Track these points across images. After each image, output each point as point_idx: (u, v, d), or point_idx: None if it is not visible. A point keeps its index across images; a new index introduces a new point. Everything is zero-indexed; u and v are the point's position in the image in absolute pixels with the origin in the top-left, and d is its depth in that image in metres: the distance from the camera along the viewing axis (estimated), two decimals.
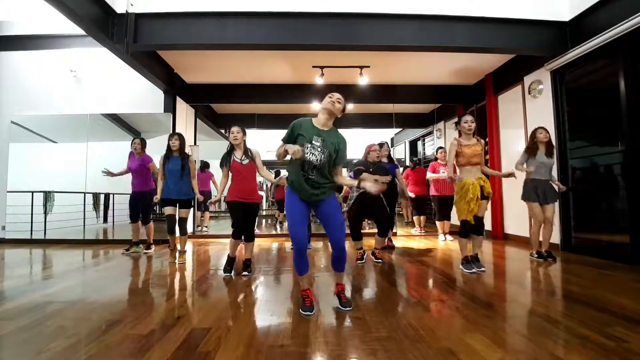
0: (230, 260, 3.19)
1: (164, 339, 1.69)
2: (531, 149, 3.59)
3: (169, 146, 3.66)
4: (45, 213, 5.60)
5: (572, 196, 4.12)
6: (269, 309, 2.20)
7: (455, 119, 3.39)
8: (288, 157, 2.09)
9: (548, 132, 3.59)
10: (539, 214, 3.55)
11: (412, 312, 2.09)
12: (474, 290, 2.57)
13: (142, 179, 4.17)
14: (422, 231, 5.91)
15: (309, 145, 2.07)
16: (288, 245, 4.86)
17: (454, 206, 3.31)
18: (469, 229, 3.11)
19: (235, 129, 3.15)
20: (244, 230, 3.16)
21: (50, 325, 1.89)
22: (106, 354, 1.55)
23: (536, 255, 3.64)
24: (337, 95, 2.18)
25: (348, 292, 2.47)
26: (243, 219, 3.12)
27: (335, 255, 2.19)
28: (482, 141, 3.19)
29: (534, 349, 1.56)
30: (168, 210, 3.69)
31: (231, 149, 3.19)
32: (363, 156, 3.81)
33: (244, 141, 3.23)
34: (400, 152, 9.29)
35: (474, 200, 3.01)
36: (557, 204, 3.52)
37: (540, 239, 3.64)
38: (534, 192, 3.55)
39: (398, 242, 5.04)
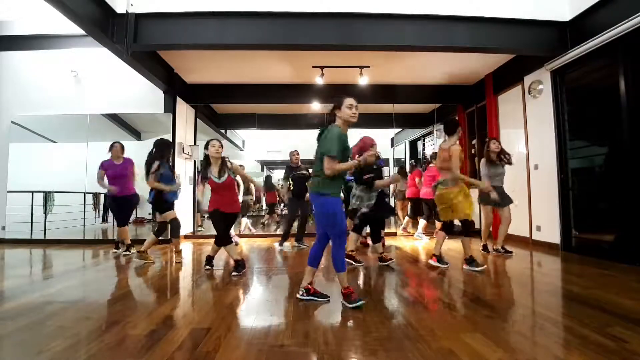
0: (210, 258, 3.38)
1: (164, 339, 1.69)
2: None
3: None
4: (45, 213, 5.60)
5: (572, 196, 4.12)
6: (269, 309, 2.20)
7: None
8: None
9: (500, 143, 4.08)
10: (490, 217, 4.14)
11: (412, 312, 2.08)
12: (474, 290, 2.57)
13: (125, 183, 4.08)
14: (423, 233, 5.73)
15: (349, 156, 2.25)
16: (288, 244, 4.84)
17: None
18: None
19: (216, 142, 3.10)
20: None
21: (50, 325, 1.89)
22: (106, 354, 1.55)
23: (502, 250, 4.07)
24: (354, 102, 2.22)
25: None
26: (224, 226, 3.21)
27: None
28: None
29: (534, 349, 1.56)
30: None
31: (207, 164, 3.12)
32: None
33: (222, 157, 3.16)
34: (400, 152, 9.29)
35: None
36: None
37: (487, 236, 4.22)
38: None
39: (398, 243, 5.04)
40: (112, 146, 4.11)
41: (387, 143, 9.70)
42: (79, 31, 3.70)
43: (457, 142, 3.27)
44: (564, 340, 1.66)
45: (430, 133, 7.86)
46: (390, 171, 9.71)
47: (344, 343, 1.65)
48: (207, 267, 3.31)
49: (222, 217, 3.17)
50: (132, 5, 3.76)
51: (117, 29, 3.75)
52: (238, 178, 3.48)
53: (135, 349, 1.58)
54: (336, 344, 1.63)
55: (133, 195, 4.18)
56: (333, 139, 2.12)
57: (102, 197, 6.18)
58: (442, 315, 2.04)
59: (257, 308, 2.22)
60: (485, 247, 4.16)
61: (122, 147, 4.17)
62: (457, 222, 3.30)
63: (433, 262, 3.35)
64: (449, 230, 3.34)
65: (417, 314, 2.06)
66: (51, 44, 5.51)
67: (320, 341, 1.67)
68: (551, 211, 4.30)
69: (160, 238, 3.88)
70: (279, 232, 6.34)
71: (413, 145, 8.89)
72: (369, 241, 4.80)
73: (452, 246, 4.66)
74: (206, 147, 3.12)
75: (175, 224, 3.88)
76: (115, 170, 4.05)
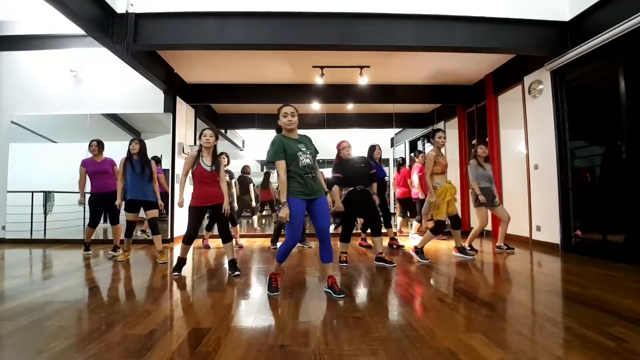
0: (181, 261, 3.18)
1: (164, 339, 1.69)
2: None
3: (129, 150, 3.81)
4: (45, 213, 5.60)
5: (572, 196, 4.12)
6: (269, 309, 2.20)
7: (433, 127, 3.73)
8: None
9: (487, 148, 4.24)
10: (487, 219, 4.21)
11: (412, 312, 2.09)
12: (474, 290, 2.57)
13: (106, 179, 4.23)
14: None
15: (301, 153, 2.36)
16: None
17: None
18: (452, 226, 3.77)
19: (208, 132, 3.18)
20: (220, 232, 3.21)
21: (50, 325, 1.89)
22: (106, 354, 1.55)
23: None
24: (289, 110, 2.44)
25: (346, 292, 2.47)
26: (199, 223, 3.18)
27: (323, 246, 2.43)
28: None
29: (534, 349, 1.56)
30: (130, 216, 3.87)
31: (199, 152, 3.16)
32: (337, 156, 3.61)
33: (215, 147, 3.25)
34: (400, 152, 9.29)
35: (452, 201, 3.62)
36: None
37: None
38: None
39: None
40: (90, 144, 4.27)
41: (387, 143, 9.71)
42: (79, 31, 3.70)
43: (438, 148, 3.73)
44: (564, 340, 1.66)
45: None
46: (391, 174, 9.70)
47: (344, 343, 1.65)
48: (176, 272, 3.13)
49: (203, 213, 3.17)
50: (132, 5, 3.76)
51: (117, 29, 3.75)
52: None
53: (135, 349, 1.58)
54: (336, 344, 1.63)
55: (114, 192, 4.17)
56: (269, 148, 2.37)
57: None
58: (442, 315, 2.04)
59: (257, 308, 2.22)
60: (466, 248, 4.11)
61: (99, 145, 4.28)
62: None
63: (412, 252, 3.76)
64: (438, 230, 3.65)
65: (417, 314, 2.06)
66: (51, 44, 5.50)
67: (320, 341, 1.67)
68: (551, 211, 4.31)
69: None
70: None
71: (413, 145, 8.88)
72: (370, 242, 4.81)
73: (450, 246, 4.66)
74: (199, 137, 3.22)
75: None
76: (95, 167, 4.20)
